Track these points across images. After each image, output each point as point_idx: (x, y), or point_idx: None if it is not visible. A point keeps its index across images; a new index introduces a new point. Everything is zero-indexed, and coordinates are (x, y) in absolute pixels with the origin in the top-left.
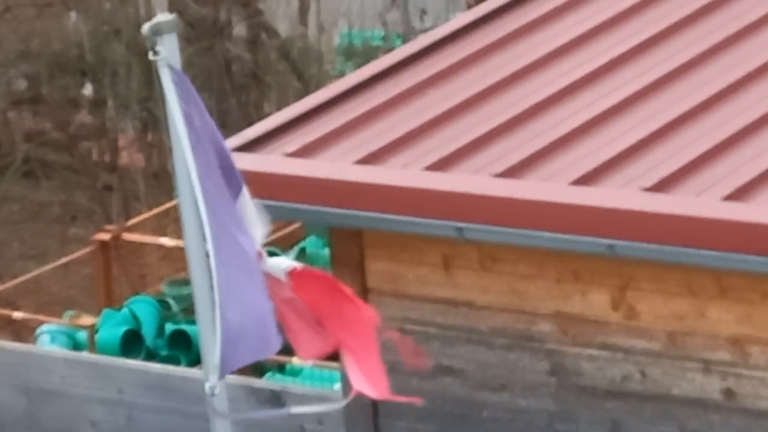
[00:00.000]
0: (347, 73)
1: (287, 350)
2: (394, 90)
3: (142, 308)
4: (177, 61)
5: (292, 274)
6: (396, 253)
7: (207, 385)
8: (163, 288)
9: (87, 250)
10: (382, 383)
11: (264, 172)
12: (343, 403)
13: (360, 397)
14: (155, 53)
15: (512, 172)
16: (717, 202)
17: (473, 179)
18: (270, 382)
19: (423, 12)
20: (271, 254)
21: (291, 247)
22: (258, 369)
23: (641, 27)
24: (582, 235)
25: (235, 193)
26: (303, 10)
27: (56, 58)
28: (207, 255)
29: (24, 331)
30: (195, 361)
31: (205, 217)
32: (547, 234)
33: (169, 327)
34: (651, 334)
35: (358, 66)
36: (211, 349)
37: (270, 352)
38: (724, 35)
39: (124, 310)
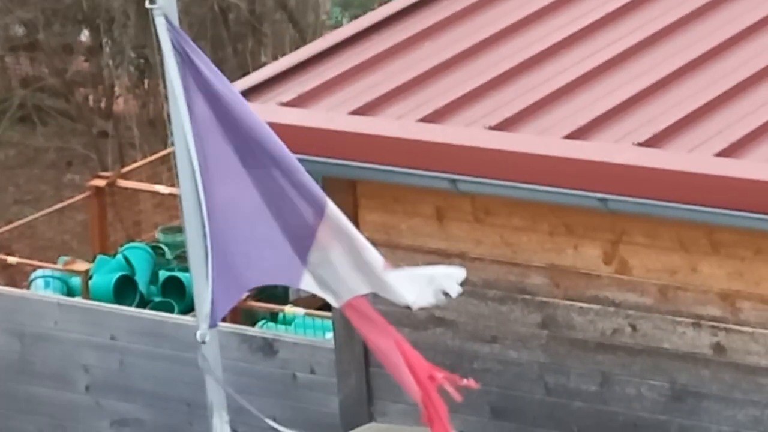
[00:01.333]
0: (343, 24)
1: (280, 299)
2: (390, 41)
3: (136, 254)
4: (174, 9)
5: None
6: (389, 204)
7: (198, 333)
8: (158, 235)
9: (82, 196)
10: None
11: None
12: None
13: (350, 345)
14: (152, 1)
15: (506, 124)
16: (709, 157)
17: (467, 131)
18: (262, 330)
19: None
20: None
21: None
22: (250, 317)
23: None
24: (575, 189)
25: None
26: None
27: (53, 4)
28: (200, 203)
29: (18, 276)
30: (188, 308)
31: (198, 167)
32: (540, 187)
33: (163, 274)
34: (642, 288)
35: (355, 17)
36: (203, 297)
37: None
38: None
39: (118, 257)
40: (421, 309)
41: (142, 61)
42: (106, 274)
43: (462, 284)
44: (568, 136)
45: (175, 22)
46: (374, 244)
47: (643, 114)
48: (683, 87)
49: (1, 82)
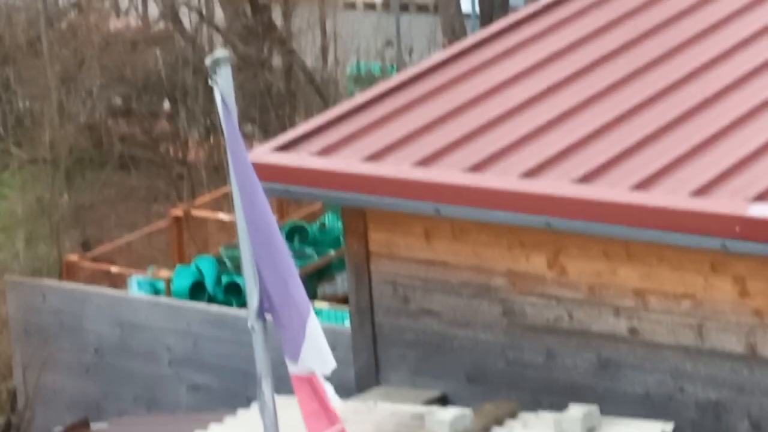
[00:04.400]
0: (356, 94)
1: (311, 296)
2: (390, 107)
3: (205, 265)
4: (230, 85)
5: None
6: (390, 225)
7: (249, 322)
8: (221, 250)
9: (165, 222)
10: None
11: (295, 166)
12: None
13: (362, 330)
14: (213, 81)
15: (477, 167)
16: (627, 191)
17: (448, 172)
18: None
19: (410, 50)
20: (299, 228)
21: (314, 220)
22: None
23: (581, 58)
24: (527, 214)
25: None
26: (324, 48)
27: (143, 81)
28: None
29: (118, 281)
30: (243, 304)
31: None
32: (501, 213)
33: (225, 279)
34: (576, 287)
35: (364, 89)
36: (253, 296)
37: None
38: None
39: (192, 266)
40: (412, 302)
41: (208, 122)
42: (183, 279)
43: (444, 285)
44: (522, 176)
45: (232, 96)
46: (379, 255)
47: (578, 158)
48: (608, 137)
49: (105, 138)
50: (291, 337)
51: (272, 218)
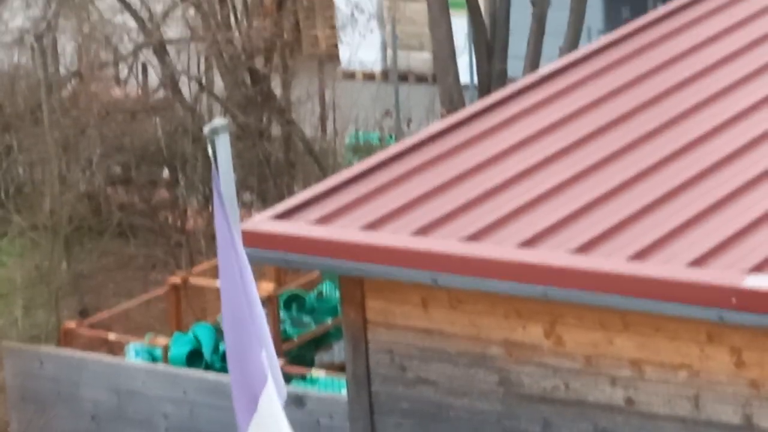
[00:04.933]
0: (354, 164)
1: (308, 364)
2: (386, 177)
3: (203, 332)
4: (228, 153)
5: None
6: (387, 294)
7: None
8: (219, 318)
9: (163, 289)
10: None
11: (293, 234)
12: None
13: (359, 398)
14: (212, 150)
15: (473, 237)
16: (623, 261)
17: (445, 242)
18: (295, 387)
19: (409, 120)
20: (297, 296)
21: (312, 289)
22: (285, 377)
23: (578, 129)
24: (524, 284)
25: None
26: (323, 118)
27: (142, 150)
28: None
29: (116, 348)
30: None
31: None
32: (498, 282)
33: (222, 347)
34: (573, 357)
35: (362, 158)
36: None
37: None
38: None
39: (190, 334)
40: (408, 371)
41: (207, 190)
42: (180, 346)
43: (441, 354)
44: (520, 246)
45: (229, 162)
46: (376, 323)
47: (574, 229)
48: (605, 207)
49: (104, 206)
50: (241, 409)
51: (250, 288)
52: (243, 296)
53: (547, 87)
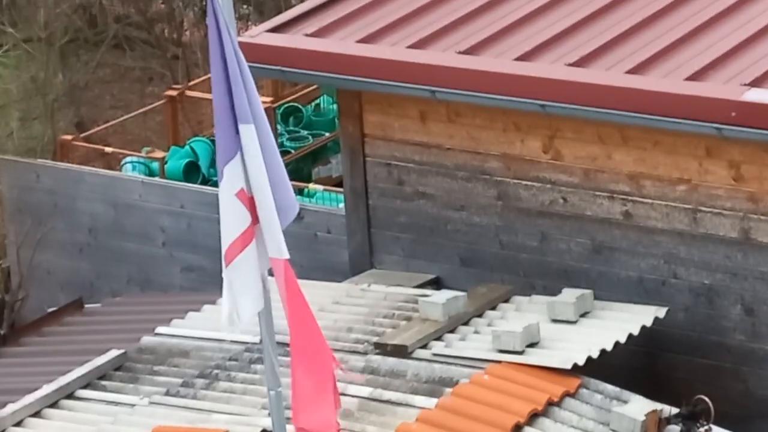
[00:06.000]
0: None
1: (306, 178)
2: None
3: (200, 146)
4: None
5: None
6: (385, 108)
7: None
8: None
9: (159, 102)
10: (329, 421)
11: (290, 47)
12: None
13: (357, 212)
14: None
15: (472, 50)
16: (621, 75)
17: (443, 55)
18: None
19: None
20: (294, 110)
21: (309, 103)
22: None
23: None
24: (522, 98)
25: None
26: None
27: None
28: None
29: (113, 162)
30: None
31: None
32: (496, 96)
33: None
34: (571, 171)
35: None
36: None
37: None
38: None
39: (186, 147)
40: (406, 185)
41: (204, 2)
42: (177, 160)
43: (439, 167)
44: (518, 59)
45: None
46: (374, 137)
47: (572, 42)
48: (604, 21)
49: (100, 18)
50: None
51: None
52: (231, 107)
53: None
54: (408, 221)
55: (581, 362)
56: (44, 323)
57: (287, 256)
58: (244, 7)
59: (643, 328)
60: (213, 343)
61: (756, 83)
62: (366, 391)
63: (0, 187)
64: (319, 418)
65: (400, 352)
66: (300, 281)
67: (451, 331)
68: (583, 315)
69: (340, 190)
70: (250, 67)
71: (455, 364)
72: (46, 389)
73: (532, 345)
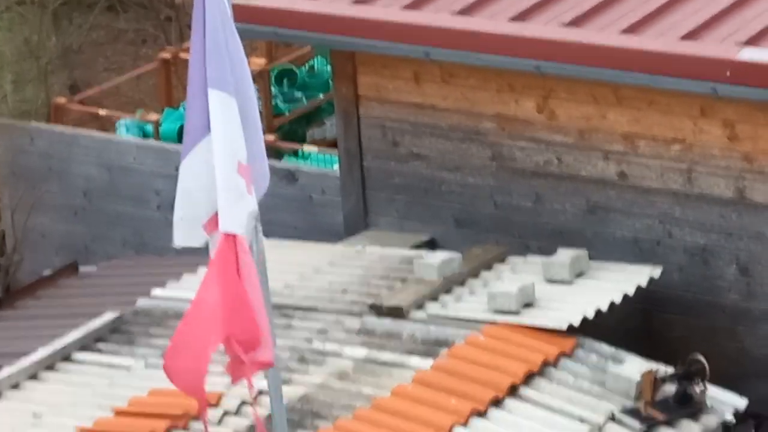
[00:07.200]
0: None
1: (300, 140)
2: None
3: None
4: None
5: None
6: (379, 69)
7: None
8: None
9: (153, 65)
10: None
11: (283, 8)
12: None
13: (351, 173)
14: None
15: (466, 10)
16: (616, 34)
17: (437, 16)
18: (287, 162)
19: None
20: (288, 71)
21: (303, 64)
22: (277, 153)
23: None
24: (516, 57)
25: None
26: None
27: None
28: None
29: (107, 124)
30: None
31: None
32: (491, 57)
33: None
34: (566, 131)
35: None
36: None
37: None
38: None
39: (180, 109)
40: (401, 146)
41: None
42: (171, 122)
43: (433, 128)
44: (512, 19)
45: None
46: (368, 98)
47: (566, 2)
48: None
49: None
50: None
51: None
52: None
53: None
54: (402, 182)
55: (576, 322)
56: (39, 286)
57: (243, 232)
58: None
59: (638, 288)
60: None
61: (751, 42)
62: (362, 352)
63: None
64: (187, 370)
65: (396, 313)
66: (295, 243)
67: (447, 292)
68: (578, 275)
69: (335, 151)
70: (244, 28)
71: (451, 325)
72: (42, 352)
73: (527, 305)
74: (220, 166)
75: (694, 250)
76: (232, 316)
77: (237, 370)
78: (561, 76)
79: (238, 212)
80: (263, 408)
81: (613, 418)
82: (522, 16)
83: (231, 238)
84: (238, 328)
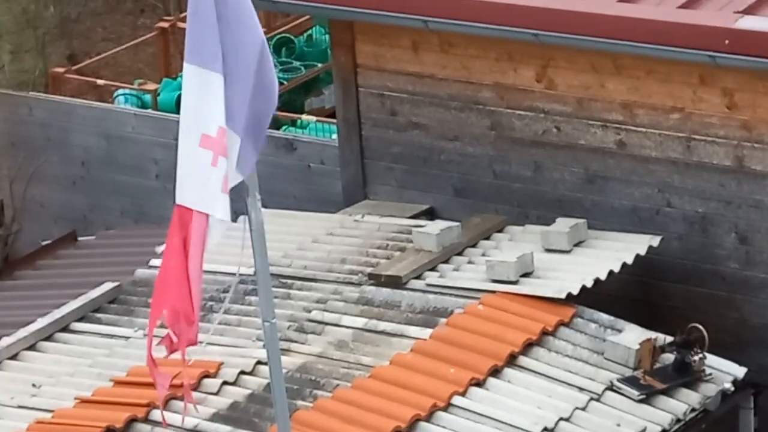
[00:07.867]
0: None
1: (298, 109)
2: None
3: None
4: None
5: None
6: (378, 38)
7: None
8: None
9: (151, 34)
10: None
11: None
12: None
13: (350, 143)
14: None
15: None
16: (614, 3)
17: None
18: (285, 132)
19: None
20: (286, 41)
21: (301, 33)
22: (275, 122)
23: None
24: (515, 27)
25: None
26: None
27: None
28: None
29: (105, 94)
30: None
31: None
32: (489, 26)
33: None
34: (564, 100)
35: None
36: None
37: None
38: None
39: (179, 79)
40: (399, 115)
41: None
42: (170, 92)
43: (432, 98)
44: None
45: None
46: (367, 68)
47: None
48: None
49: None
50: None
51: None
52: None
53: None
54: (401, 152)
55: (575, 291)
56: (38, 256)
57: (201, 207)
58: None
59: (637, 257)
60: (207, 275)
61: (749, 11)
62: (360, 321)
63: None
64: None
65: (394, 282)
66: (294, 212)
67: (445, 262)
68: (577, 244)
69: (333, 121)
70: None
71: (449, 295)
72: (41, 322)
73: (526, 275)
74: (182, 141)
75: (693, 218)
76: (176, 288)
77: (171, 343)
78: (559, 45)
79: (197, 186)
80: (262, 377)
81: (611, 386)
82: None
83: (186, 211)
84: (178, 300)
